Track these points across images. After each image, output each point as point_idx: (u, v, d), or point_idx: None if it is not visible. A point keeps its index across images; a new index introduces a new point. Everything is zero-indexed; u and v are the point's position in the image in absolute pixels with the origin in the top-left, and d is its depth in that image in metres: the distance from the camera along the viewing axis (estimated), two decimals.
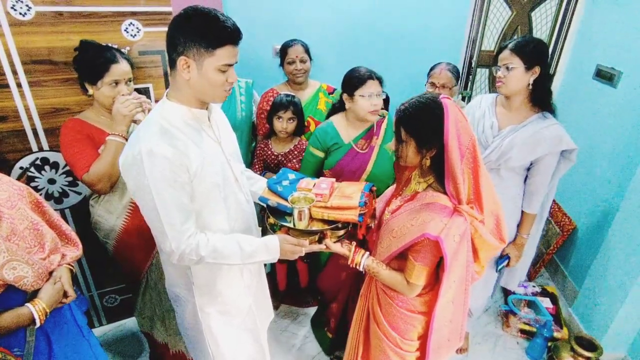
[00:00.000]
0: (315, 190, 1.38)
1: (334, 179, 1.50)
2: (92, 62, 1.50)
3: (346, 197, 1.36)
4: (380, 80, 1.72)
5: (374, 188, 1.47)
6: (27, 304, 1.08)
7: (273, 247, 1.26)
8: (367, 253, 1.33)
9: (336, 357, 2.18)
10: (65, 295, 1.19)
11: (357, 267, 1.32)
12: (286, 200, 1.37)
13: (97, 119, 1.59)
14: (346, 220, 1.33)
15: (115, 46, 1.64)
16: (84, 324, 1.33)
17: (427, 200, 1.19)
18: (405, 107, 1.18)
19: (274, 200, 1.40)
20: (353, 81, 1.72)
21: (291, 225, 1.33)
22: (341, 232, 1.37)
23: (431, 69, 2.16)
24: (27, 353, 1.08)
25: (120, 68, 1.52)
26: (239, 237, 1.24)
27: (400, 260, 1.28)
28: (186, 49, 1.06)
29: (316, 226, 1.34)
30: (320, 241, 1.34)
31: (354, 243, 1.36)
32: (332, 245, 1.33)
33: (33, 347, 1.09)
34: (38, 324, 1.09)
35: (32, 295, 1.12)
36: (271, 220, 1.41)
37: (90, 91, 1.54)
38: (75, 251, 1.27)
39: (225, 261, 1.21)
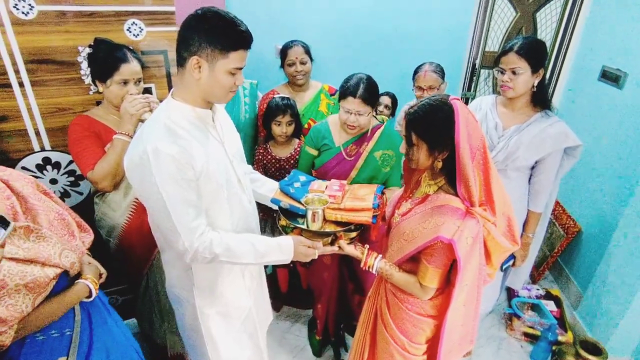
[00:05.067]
0: (327, 192, 1.38)
1: (344, 181, 1.51)
2: (103, 60, 1.51)
3: (359, 199, 1.37)
4: (365, 99, 1.60)
5: (385, 191, 1.48)
6: (80, 280, 1.15)
7: (287, 248, 1.26)
8: (380, 256, 1.32)
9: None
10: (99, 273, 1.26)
11: (370, 270, 1.31)
12: (298, 201, 1.38)
13: (106, 116, 1.60)
14: (360, 222, 1.34)
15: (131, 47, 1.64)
16: (106, 301, 1.35)
17: (438, 202, 1.18)
18: (415, 110, 1.17)
19: (286, 202, 1.40)
20: (339, 90, 1.70)
21: (304, 226, 1.34)
22: (353, 234, 1.38)
23: (415, 73, 2.13)
24: (76, 331, 1.12)
25: (131, 68, 1.52)
26: (252, 236, 1.25)
27: (411, 263, 1.26)
28: (200, 49, 1.06)
29: (329, 228, 1.35)
30: (332, 243, 1.34)
31: (367, 246, 1.35)
32: (346, 247, 1.33)
33: (80, 325, 1.14)
34: (94, 294, 1.17)
35: (74, 278, 1.16)
36: (283, 222, 1.41)
37: (100, 89, 1.55)
38: (88, 237, 1.29)
39: (239, 260, 1.20)
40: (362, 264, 1.33)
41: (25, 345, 1.03)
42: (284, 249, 1.25)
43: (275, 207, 1.46)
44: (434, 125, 1.14)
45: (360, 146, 1.77)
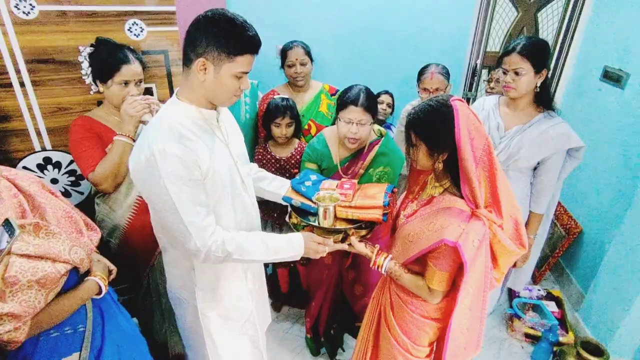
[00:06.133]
0: (338, 190, 1.42)
1: (355, 181, 1.53)
2: (104, 61, 1.51)
3: (370, 197, 1.40)
4: (367, 108, 1.59)
5: (396, 190, 1.49)
6: (89, 277, 1.17)
7: (297, 244, 1.26)
8: (390, 256, 1.32)
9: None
10: (109, 270, 1.28)
11: (380, 269, 1.32)
12: (310, 199, 1.40)
13: (107, 117, 1.59)
14: (370, 219, 1.36)
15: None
16: (116, 298, 1.37)
17: (443, 204, 1.17)
18: (415, 110, 1.18)
19: (297, 200, 1.43)
20: (339, 101, 1.68)
21: (316, 224, 1.36)
22: (364, 232, 1.40)
23: (420, 74, 2.12)
24: (88, 326, 1.15)
25: (132, 69, 1.52)
26: (262, 233, 1.26)
27: (417, 264, 1.26)
28: (207, 51, 1.05)
29: (340, 225, 1.37)
30: (343, 241, 1.36)
31: (377, 245, 1.36)
32: (357, 244, 1.35)
33: (92, 321, 1.16)
34: (104, 291, 1.19)
35: (83, 276, 1.18)
36: (294, 219, 1.43)
37: (101, 89, 1.54)
38: (96, 235, 1.30)
39: (250, 257, 1.20)
40: (371, 263, 1.33)
41: (40, 343, 1.05)
42: (294, 244, 1.26)
43: (284, 204, 1.48)
44: (432, 126, 1.14)
45: (356, 165, 1.75)
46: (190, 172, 1.07)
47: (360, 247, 1.35)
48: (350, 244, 1.35)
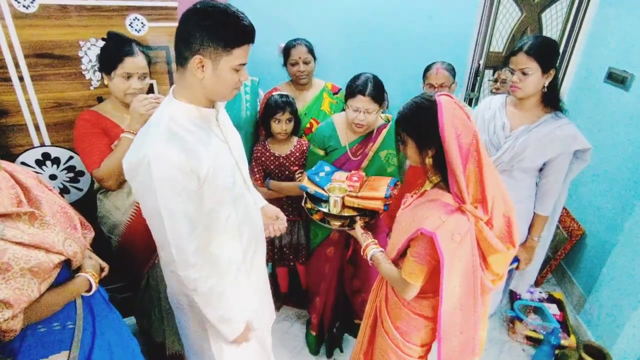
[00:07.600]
0: (347, 182, 1.61)
1: (363, 173, 1.71)
2: (108, 53, 1.50)
3: (374, 190, 1.59)
4: (374, 97, 1.64)
5: (399, 183, 1.64)
6: (80, 274, 1.16)
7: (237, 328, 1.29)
8: (381, 249, 1.38)
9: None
10: (101, 268, 1.27)
11: (366, 257, 1.39)
12: (323, 189, 1.62)
13: (113, 112, 1.58)
14: (373, 208, 1.57)
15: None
16: (107, 297, 1.35)
17: (431, 197, 1.18)
18: (402, 108, 1.20)
19: (312, 189, 1.65)
20: (347, 89, 1.72)
21: (326, 210, 1.60)
22: (368, 219, 1.61)
23: (426, 70, 2.12)
24: (78, 324, 1.14)
25: (134, 62, 1.50)
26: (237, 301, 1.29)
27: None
28: (203, 47, 1.01)
29: (347, 213, 1.60)
30: (350, 225, 1.57)
31: (376, 240, 1.43)
32: (357, 229, 1.51)
33: (82, 318, 1.15)
34: (94, 288, 1.18)
35: (74, 272, 1.17)
36: (309, 205, 1.68)
37: (106, 81, 1.53)
38: (89, 234, 1.30)
39: (205, 309, 1.21)
40: (362, 251, 1.42)
41: (27, 337, 1.03)
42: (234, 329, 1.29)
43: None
44: (417, 121, 1.16)
45: (365, 146, 1.80)
46: (185, 182, 1.04)
47: (358, 233, 1.49)
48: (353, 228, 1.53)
